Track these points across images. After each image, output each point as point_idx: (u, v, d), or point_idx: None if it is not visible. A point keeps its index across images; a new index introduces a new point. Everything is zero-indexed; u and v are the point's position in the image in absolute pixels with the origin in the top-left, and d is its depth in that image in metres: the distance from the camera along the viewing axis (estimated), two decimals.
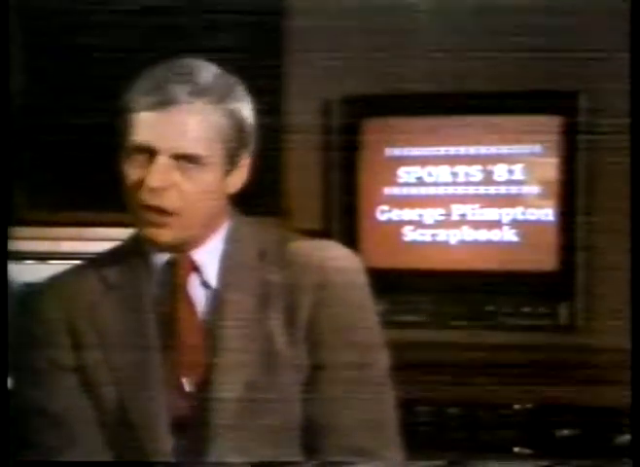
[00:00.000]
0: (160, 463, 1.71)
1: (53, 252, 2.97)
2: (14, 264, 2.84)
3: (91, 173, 2.97)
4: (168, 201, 1.65)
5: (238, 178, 1.73)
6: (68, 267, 1.86)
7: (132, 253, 1.78)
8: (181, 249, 1.73)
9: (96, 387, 1.73)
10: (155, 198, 1.64)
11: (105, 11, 2.91)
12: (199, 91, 1.65)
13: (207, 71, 1.68)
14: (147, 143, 1.63)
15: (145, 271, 1.76)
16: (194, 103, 1.64)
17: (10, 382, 1.80)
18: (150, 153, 1.64)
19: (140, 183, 1.64)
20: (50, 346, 1.76)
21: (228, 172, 1.70)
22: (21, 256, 2.96)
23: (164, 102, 1.63)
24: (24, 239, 2.98)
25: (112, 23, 2.92)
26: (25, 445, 1.76)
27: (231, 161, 1.70)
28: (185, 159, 1.64)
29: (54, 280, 1.83)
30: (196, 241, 1.73)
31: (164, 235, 1.68)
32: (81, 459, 1.72)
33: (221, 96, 1.67)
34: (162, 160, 1.63)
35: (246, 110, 1.71)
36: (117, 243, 1.84)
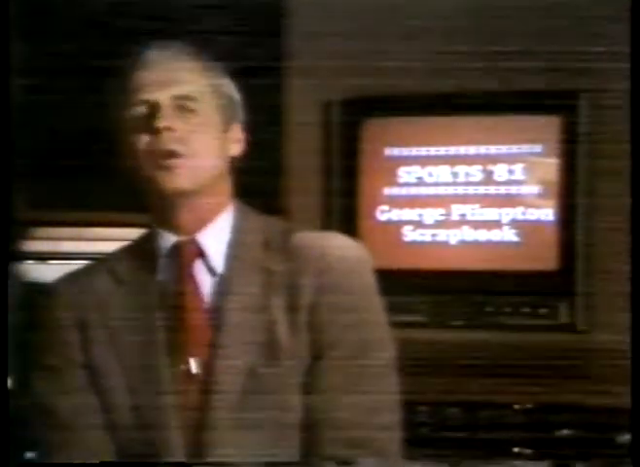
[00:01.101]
0: (162, 464, 1.71)
1: (54, 252, 2.98)
2: (16, 264, 2.86)
3: (92, 173, 2.98)
4: (175, 144, 1.73)
5: (236, 143, 1.82)
6: (76, 265, 1.88)
7: (141, 247, 1.82)
8: (189, 229, 1.77)
9: (106, 381, 1.75)
10: (163, 143, 1.73)
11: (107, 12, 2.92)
12: (180, 52, 1.79)
13: (185, 45, 1.83)
14: (146, 96, 1.75)
15: (152, 261, 1.78)
16: (178, 59, 1.78)
17: (19, 380, 1.81)
18: (151, 104, 1.75)
19: (148, 133, 1.74)
20: (60, 342, 1.77)
21: (225, 130, 1.80)
22: (22, 256, 2.96)
23: (152, 61, 1.77)
24: (25, 239, 2.98)
25: (113, 24, 2.93)
26: (33, 441, 1.77)
27: (227, 119, 1.80)
28: (183, 103, 1.75)
29: (66, 277, 1.85)
30: (202, 220, 1.77)
31: (179, 178, 1.73)
32: (88, 456, 1.73)
33: (203, 62, 1.81)
34: (164, 104, 1.74)
35: (228, 82, 1.83)
36: (124, 242, 1.86)
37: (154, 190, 1.74)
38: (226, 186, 1.82)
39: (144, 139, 1.74)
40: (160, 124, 1.72)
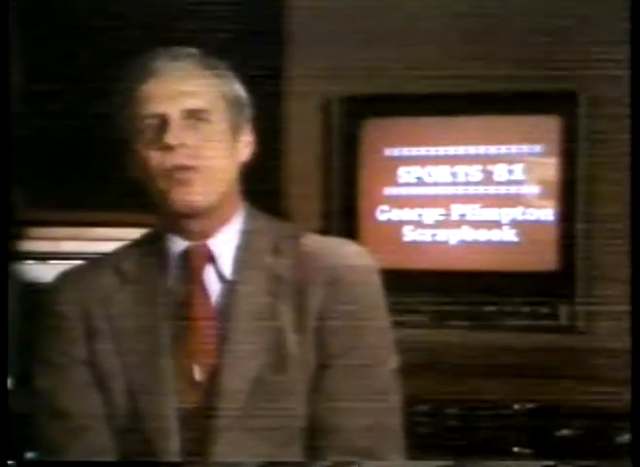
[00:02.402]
0: (162, 463, 1.71)
1: (54, 252, 2.97)
2: (17, 264, 2.86)
3: (91, 173, 2.98)
4: (187, 159, 1.70)
5: (245, 148, 1.79)
6: (84, 261, 1.87)
7: (148, 246, 1.81)
8: (200, 235, 1.75)
9: (109, 380, 1.74)
10: (175, 158, 1.69)
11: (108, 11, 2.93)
12: (185, 58, 1.75)
13: (189, 49, 1.78)
14: (155, 109, 1.71)
15: (161, 263, 1.77)
16: (184, 67, 1.73)
17: (22, 377, 1.81)
18: (160, 118, 1.71)
19: (158, 148, 1.70)
20: (64, 339, 1.77)
21: (236, 136, 1.76)
22: (21, 256, 2.96)
23: (158, 70, 1.72)
24: (25, 239, 2.98)
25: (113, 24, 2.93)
26: (34, 440, 1.77)
27: (237, 125, 1.77)
28: (194, 115, 1.71)
29: (70, 273, 1.84)
30: (214, 227, 1.76)
31: (193, 194, 1.70)
32: (88, 455, 1.73)
33: (209, 64, 1.77)
34: (174, 118, 1.70)
35: (236, 83, 1.79)
36: (128, 240, 1.85)
37: (166, 205, 1.72)
38: (236, 192, 1.80)
39: (155, 154, 1.70)
40: (172, 140, 1.69)
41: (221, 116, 1.74)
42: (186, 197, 1.70)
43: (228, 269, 1.76)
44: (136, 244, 1.84)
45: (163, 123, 1.70)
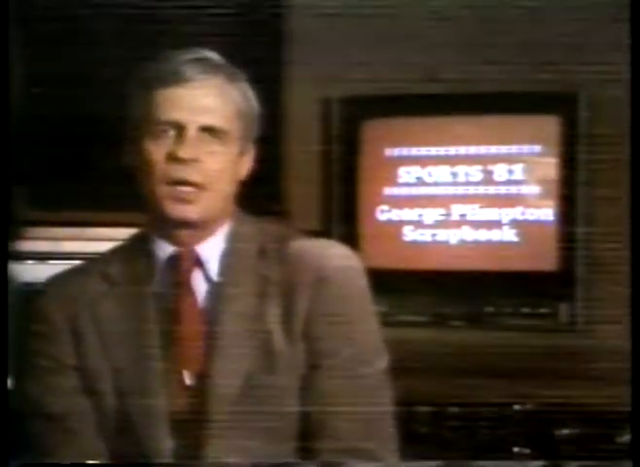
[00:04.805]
0: (160, 464, 1.71)
1: (54, 252, 2.97)
2: (14, 264, 2.86)
3: (91, 173, 2.98)
4: (195, 175, 1.69)
5: (247, 163, 1.79)
6: (71, 265, 1.87)
7: (135, 250, 1.80)
8: (189, 241, 1.75)
9: (98, 384, 1.74)
10: (183, 172, 1.69)
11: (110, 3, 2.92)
12: (213, 69, 1.73)
13: (214, 55, 1.76)
14: (174, 118, 1.69)
15: (148, 267, 1.77)
16: (210, 79, 1.72)
17: (11, 381, 1.81)
18: (177, 127, 1.69)
19: (167, 158, 1.69)
20: (52, 344, 1.76)
21: (242, 153, 1.76)
22: (21, 256, 2.96)
23: (185, 79, 1.70)
24: (24, 239, 2.98)
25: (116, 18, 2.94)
26: (25, 444, 1.77)
27: (245, 141, 1.76)
28: (210, 132, 1.70)
29: (58, 278, 1.84)
30: (204, 235, 1.76)
31: (190, 211, 1.70)
32: (79, 459, 1.73)
33: (232, 75, 1.75)
34: (191, 132, 1.69)
35: (252, 95, 1.78)
36: (119, 242, 1.85)
37: (159, 212, 1.71)
38: (231, 205, 1.79)
39: (162, 161, 1.69)
40: (185, 154, 1.67)
41: (234, 134, 1.73)
42: (182, 211, 1.70)
43: (215, 273, 1.76)
44: (123, 248, 1.83)
45: (179, 133, 1.69)
